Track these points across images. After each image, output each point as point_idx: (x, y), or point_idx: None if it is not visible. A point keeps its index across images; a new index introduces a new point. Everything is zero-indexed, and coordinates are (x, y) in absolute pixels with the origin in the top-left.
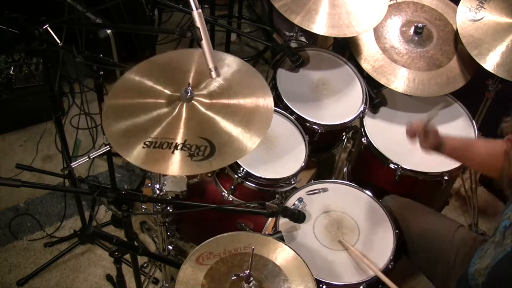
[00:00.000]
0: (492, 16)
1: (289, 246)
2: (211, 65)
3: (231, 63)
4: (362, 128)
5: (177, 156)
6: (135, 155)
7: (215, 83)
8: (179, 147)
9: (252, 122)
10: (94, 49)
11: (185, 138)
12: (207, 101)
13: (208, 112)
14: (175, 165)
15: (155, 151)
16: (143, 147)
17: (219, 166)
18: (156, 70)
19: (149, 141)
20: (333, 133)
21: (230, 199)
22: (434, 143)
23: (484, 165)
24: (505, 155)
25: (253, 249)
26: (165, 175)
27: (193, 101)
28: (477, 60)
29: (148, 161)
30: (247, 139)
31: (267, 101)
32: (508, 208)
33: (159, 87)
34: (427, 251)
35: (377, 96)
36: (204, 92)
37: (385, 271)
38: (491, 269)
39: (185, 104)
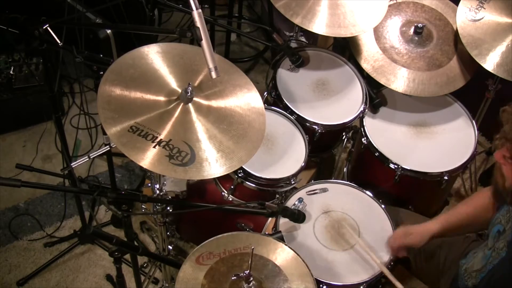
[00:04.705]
0: (492, 16)
1: (289, 246)
2: (211, 65)
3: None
4: (362, 128)
5: (156, 152)
6: (118, 134)
7: (219, 93)
8: (162, 144)
9: (240, 144)
10: (94, 49)
11: (170, 138)
12: (205, 102)
13: (201, 120)
14: (151, 160)
15: (138, 138)
16: (128, 131)
17: (193, 177)
18: (176, 57)
19: (135, 127)
20: (333, 133)
21: (230, 199)
22: (419, 241)
23: (481, 217)
24: (496, 171)
25: (252, 249)
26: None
27: (190, 104)
28: (477, 60)
29: (128, 145)
30: (228, 160)
31: (259, 132)
32: (499, 213)
33: (165, 76)
34: (418, 254)
35: (377, 96)
36: (204, 97)
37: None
38: (487, 273)
39: (181, 104)
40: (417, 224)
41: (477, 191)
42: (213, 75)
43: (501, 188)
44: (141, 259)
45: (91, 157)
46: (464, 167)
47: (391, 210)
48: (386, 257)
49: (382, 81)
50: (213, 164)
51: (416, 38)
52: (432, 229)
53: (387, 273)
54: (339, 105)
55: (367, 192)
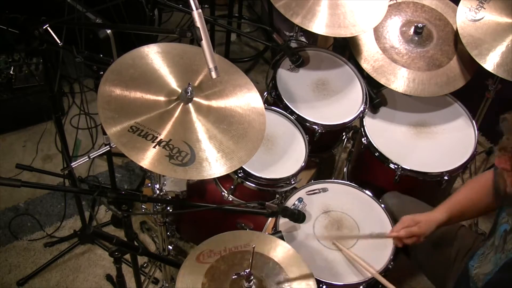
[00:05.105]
0: (492, 16)
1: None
2: (211, 65)
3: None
4: (362, 128)
5: (156, 152)
6: (118, 134)
7: (219, 93)
8: (162, 144)
9: (240, 144)
10: (94, 49)
11: (170, 138)
12: (205, 102)
13: (201, 120)
14: (151, 160)
15: (138, 138)
16: (128, 131)
17: (193, 177)
18: (176, 57)
19: (135, 127)
20: (333, 133)
21: (230, 199)
22: (425, 230)
23: (483, 201)
24: (498, 175)
25: (254, 247)
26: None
27: (190, 104)
28: (477, 60)
29: (128, 145)
30: (228, 160)
31: (259, 132)
32: (505, 212)
33: (165, 76)
34: (428, 249)
35: (377, 96)
36: (204, 97)
37: (385, 271)
38: (493, 275)
39: (181, 104)
40: (417, 200)
41: (477, 175)
42: (213, 75)
43: (502, 191)
44: (141, 259)
45: (91, 157)
46: (464, 167)
47: (395, 196)
48: (385, 258)
49: (382, 81)
50: (213, 164)
51: (416, 38)
52: (438, 219)
53: (381, 279)
54: (339, 105)
55: (367, 192)
